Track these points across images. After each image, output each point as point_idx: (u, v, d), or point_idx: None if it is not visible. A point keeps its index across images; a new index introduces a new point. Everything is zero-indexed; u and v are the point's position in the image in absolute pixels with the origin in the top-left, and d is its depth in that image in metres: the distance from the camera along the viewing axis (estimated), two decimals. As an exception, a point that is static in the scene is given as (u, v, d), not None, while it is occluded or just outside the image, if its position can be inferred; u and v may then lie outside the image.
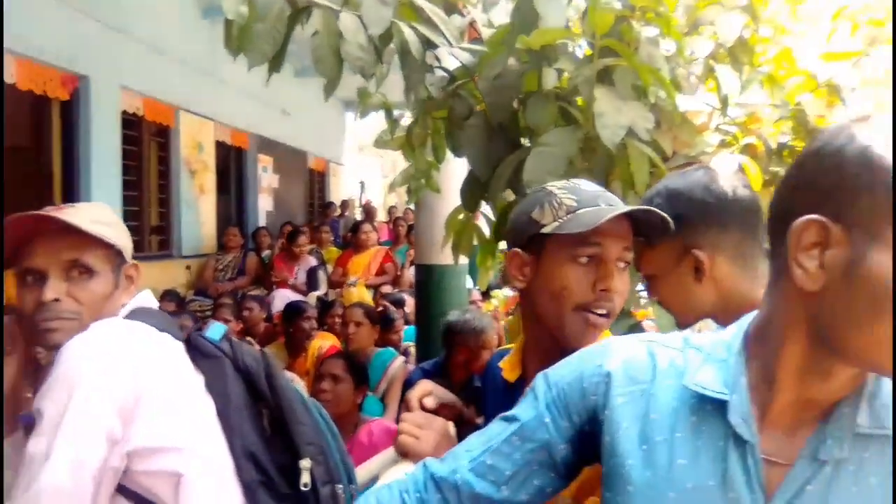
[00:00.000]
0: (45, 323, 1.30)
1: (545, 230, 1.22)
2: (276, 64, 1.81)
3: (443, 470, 0.95)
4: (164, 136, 6.57)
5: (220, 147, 7.59)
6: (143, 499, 1.24)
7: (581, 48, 1.92)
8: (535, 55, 1.77)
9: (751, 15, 1.84)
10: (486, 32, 2.07)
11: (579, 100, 1.82)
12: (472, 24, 2.09)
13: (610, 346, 0.94)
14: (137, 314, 1.37)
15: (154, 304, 1.46)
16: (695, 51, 1.87)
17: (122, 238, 1.41)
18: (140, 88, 5.88)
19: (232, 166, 8.27)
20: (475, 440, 0.97)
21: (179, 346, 1.37)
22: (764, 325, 0.84)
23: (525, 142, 1.98)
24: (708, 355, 0.86)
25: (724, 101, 1.84)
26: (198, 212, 7.15)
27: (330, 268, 6.92)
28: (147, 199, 6.40)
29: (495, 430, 0.96)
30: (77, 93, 5.22)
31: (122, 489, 1.23)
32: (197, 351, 1.38)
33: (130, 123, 5.92)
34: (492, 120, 1.93)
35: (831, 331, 0.75)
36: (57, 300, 1.30)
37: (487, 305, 5.65)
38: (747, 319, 0.88)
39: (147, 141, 6.37)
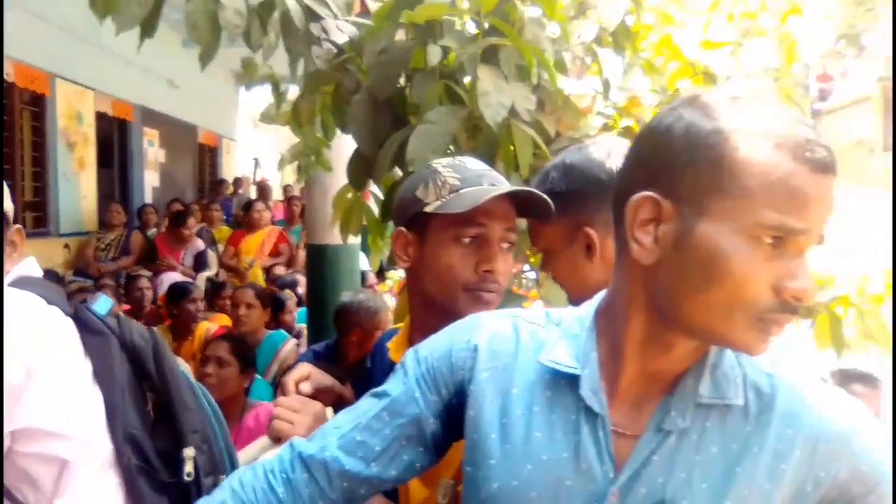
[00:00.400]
0: None
1: (428, 209, 1.20)
2: (148, 28, 1.71)
3: (311, 448, 0.93)
4: (38, 104, 6.16)
5: (102, 118, 7.18)
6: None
7: (471, 27, 1.91)
8: (421, 31, 1.74)
9: (634, 1, 1.87)
10: (374, 6, 2.02)
11: (465, 79, 1.81)
12: (359, -4, 2.04)
13: (477, 322, 0.94)
14: (22, 283, 1.24)
15: (39, 272, 1.33)
16: (581, 35, 1.89)
17: (6, 200, 1.27)
18: (10, 52, 5.47)
19: (115, 139, 7.85)
20: (344, 417, 0.95)
21: (68, 321, 1.25)
22: (610, 301, 0.87)
23: (412, 119, 1.95)
24: (564, 331, 0.88)
25: (607, 85, 1.87)
26: (77, 187, 6.76)
27: (221, 247, 6.69)
28: (20, 173, 5.99)
29: (365, 407, 0.94)
30: (-65, 54, 4.82)
31: None
32: (83, 326, 1.26)
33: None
34: (378, 96, 1.88)
35: (667, 302, 0.78)
36: None
37: (383, 287, 5.62)
38: (600, 296, 0.90)
39: (18, 109, 5.95)
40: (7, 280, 1.25)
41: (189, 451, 1.29)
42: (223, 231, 7.29)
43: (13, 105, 5.85)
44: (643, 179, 0.78)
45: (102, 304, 1.32)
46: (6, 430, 1.11)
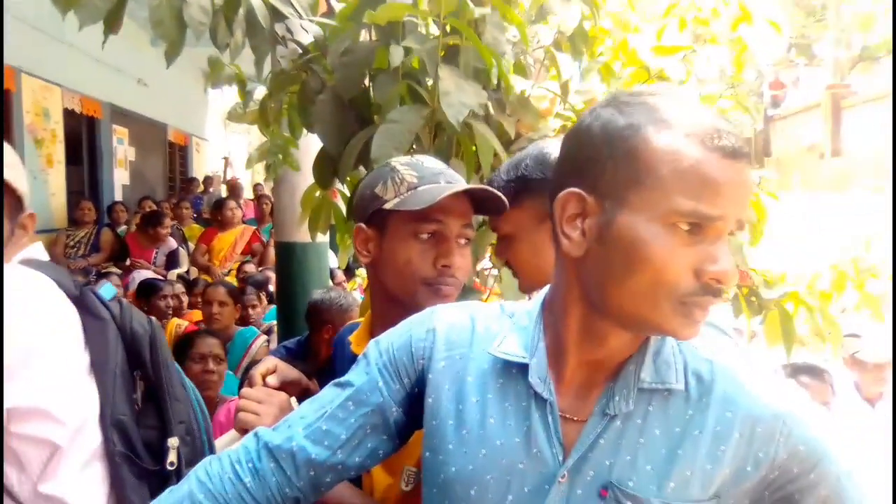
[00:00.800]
0: None
1: (387, 206, 1.24)
2: (112, 24, 1.72)
3: (277, 438, 0.95)
4: (3, 100, 6.09)
5: (70, 115, 7.11)
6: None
7: (434, 29, 1.95)
8: (383, 32, 1.78)
9: (591, 6, 1.92)
10: (338, 7, 2.05)
11: (427, 79, 1.85)
12: (324, -4, 2.07)
13: (435, 313, 0.98)
14: (30, 265, 1.26)
15: (45, 256, 1.35)
16: (540, 38, 1.94)
17: (20, 182, 1.28)
18: (-25, 47, 5.41)
19: (84, 136, 7.77)
20: (308, 407, 0.98)
21: (71, 305, 1.26)
22: (552, 294, 0.91)
23: (376, 119, 1.98)
24: (514, 323, 0.92)
25: (565, 88, 1.92)
26: (45, 184, 6.67)
27: (192, 245, 6.66)
28: (-16, 168, 5.91)
29: (329, 397, 0.97)
30: None
31: None
32: (85, 309, 1.28)
33: (-37, 85, 5.45)
34: (342, 96, 1.91)
35: (597, 293, 0.82)
36: None
37: (351, 284, 5.63)
38: (546, 290, 0.94)
39: (-16, 105, 5.88)
40: (15, 262, 1.27)
41: (174, 441, 1.31)
42: (194, 229, 7.26)
43: (-22, 100, 5.78)
44: (569, 177, 0.83)
45: (107, 290, 1.35)
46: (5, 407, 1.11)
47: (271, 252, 6.19)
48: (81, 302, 1.28)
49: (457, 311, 0.98)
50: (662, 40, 2.10)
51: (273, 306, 4.85)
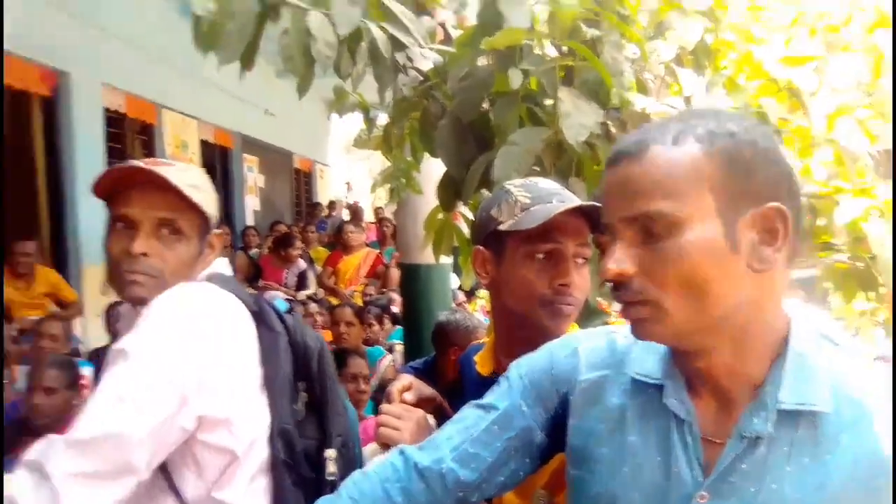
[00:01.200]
0: (130, 275, 1.29)
1: (501, 227, 1.26)
2: (247, 61, 1.83)
3: (425, 459, 0.98)
4: (147, 133, 6.58)
5: (205, 146, 7.59)
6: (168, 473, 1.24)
7: (552, 51, 1.96)
8: (500, 56, 1.80)
9: (712, 20, 1.88)
10: (455, 33, 2.10)
11: (546, 100, 1.85)
12: (441, 24, 2.12)
13: (575, 338, 1.01)
14: (215, 280, 1.35)
15: (230, 271, 1.44)
16: (660, 54, 1.91)
17: (211, 205, 1.38)
18: (122, 85, 5.87)
19: (218, 165, 8.27)
20: (453, 428, 1.00)
21: (250, 318, 1.35)
22: None
23: (496, 142, 2.01)
24: (649, 345, 0.90)
25: (688, 104, 1.87)
26: (183, 210, 7.12)
27: (318, 268, 6.92)
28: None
29: (472, 419, 1.00)
30: (58, 89, 5.21)
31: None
32: (262, 322, 1.36)
33: (113, 121, 5.91)
34: (462, 120, 1.95)
35: None
36: (145, 255, 1.29)
37: (472, 305, 5.67)
38: None
39: (131, 138, 6.37)
40: (202, 276, 1.36)
41: (331, 453, 1.38)
42: (319, 252, 7.55)
43: (125, 134, 6.26)
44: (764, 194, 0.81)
45: (281, 303, 1.44)
46: (193, 414, 1.19)
47: (393, 274, 6.35)
48: (259, 316, 1.35)
49: (595, 335, 1.00)
50: (790, 50, 2.02)
51: (397, 327, 4.97)
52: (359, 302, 5.63)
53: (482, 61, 1.94)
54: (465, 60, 1.89)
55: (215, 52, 1.72)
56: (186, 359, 1.19)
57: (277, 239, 6.90)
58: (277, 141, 9.54)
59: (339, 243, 6.81)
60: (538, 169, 1.83)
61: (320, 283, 6.57)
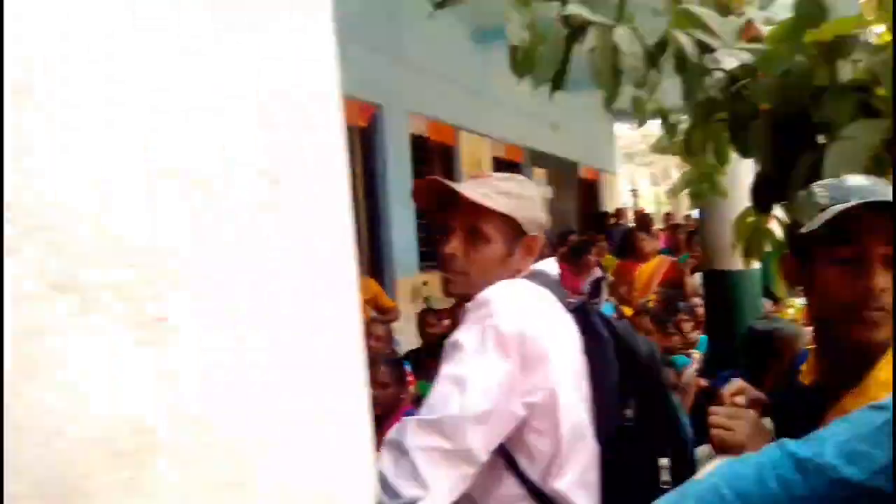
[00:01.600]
0: (443, 273, 1.49)
1: (802, 230, 1.18)
2: (558, 82, 1.92)
3: (805, 451, 0.93)
4: (447, 154, 7.08)
5: (497, 162, 7.97)
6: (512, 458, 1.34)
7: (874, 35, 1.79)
8: (825, 48, 1.69)
9: None
10: (764, 30, 2.00)
11: (879, 90, 1.70)
12: (749, 22, 2.04)
13: None
14: (535, 277, 1.47)
15: (554, 271, 1.54)
16: None
17: (522, 211, 1.48)
18: (425, 112, 6.40)
19: (509, 180, 8.63)
20: (838, 426, 0.95)
21: (567, 315, 1.44)
22: None
23: (820, 138, 1.88)
24: None
25: None
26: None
27: (609, 277, 6.91)
28: (435, 216, 6.93)
29: (864, 418, 0.94)
30: (373, 120, 5.83)
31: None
32: (583, 322, 1.44)
33: (417, 144, 6.46)
34: (780, 118, 1.86)
35: None
36: (452, 255, 1.46)
37: (783, 313, 5.27)
38: None
39: (433, 160, 6.91)
40: (523, 274, 1.48)
41: (664, 461, 1.41)
42: (609, 260, 7.53)
43: (428, 156, 6.82)
44: None
45: (608, 307, 1.53)
46: (523, 400, 1.30)
47: (689, 281, 6.15)
48: (578, 316, 1.44)
49: None
50: None
51: (702, 335, 4.80)
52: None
53: (799, 56, 1.83)
54: (784, 56, 1.79)
55: (530, 77, 1.83)
56: (510, 348, 1.28)
57: (573, 247, 7.01)
58: (563, 152, 9.72)
59: (630, 251, 6.74)
60: (873, 165, 1.68)
61: (613, 293, 6.54)
